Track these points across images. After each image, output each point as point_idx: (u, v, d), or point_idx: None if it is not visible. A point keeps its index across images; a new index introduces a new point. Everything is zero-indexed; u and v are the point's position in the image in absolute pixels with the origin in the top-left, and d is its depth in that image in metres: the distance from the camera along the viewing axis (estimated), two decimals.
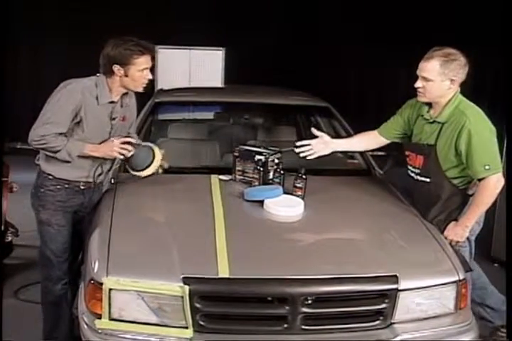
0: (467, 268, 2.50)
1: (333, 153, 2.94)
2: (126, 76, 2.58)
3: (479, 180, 2.60)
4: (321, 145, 2.84)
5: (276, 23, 7.67)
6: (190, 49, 7.78)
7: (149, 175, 2.79)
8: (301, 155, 2.84)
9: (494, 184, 2.57)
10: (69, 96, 2.53)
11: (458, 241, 2.66)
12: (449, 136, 2.61)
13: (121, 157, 2.67)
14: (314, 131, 2.89)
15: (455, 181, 2.68)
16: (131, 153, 2.66)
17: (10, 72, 7.14)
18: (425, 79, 2.60)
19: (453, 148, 2.61)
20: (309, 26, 7.76)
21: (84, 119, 2.57)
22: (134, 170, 2.77)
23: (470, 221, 2.63)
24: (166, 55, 7.75)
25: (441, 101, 2.66)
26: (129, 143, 2.67)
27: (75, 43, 7.11)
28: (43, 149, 2.59)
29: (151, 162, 2.74)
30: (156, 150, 2.78)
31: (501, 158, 2.75)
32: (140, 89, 2.68)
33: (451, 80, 2.59)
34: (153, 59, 2.63)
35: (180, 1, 7.57)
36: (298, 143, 2.86)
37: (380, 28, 7.41)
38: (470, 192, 2.70)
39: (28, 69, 7.70)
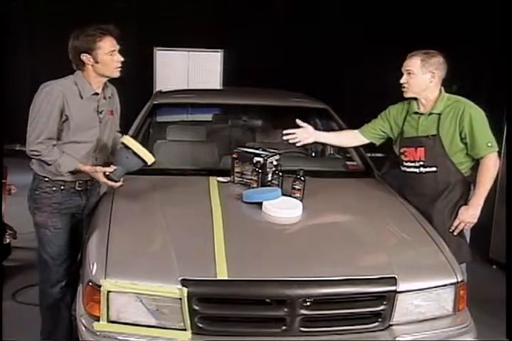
0: (469, 259, 2.69)
1: (315, 143, 3.20)
2: (97, 62, 2.57)
3: (478, 160, 2.82)
4: (305, 134, 3.05)
5: (275, 25, 7.67)
6: (188, 50, 7.79)
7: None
8: (290, 141, 3.07)
9: (495, 160, 2.80)
10: (49, 99, 2.52)
11: (470, 223, 2.81)
12: (451, 123, 2.82)
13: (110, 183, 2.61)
14: (299, 122, 3.05)
15: (460, 167, 2.84)
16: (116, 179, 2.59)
17: (8, 73, 7.16)
18: (409, 73, 2.86)
19: (457, 132, 2.81)
20: (308, 27, 7.77)
21: (71, 117, 2.55)
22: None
23: (480, 200, 2.80)
24: (165, 56, 7.78)
25: (428, 97, 2.88)
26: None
27: None
28: (38, 160, 2.61)
29: (144, 163, 2.63)
30: (142, 154, 2.63)
31: (501, 157, 2.86)
32: (116, 74, 2.63)
33: (432, 73, 2.84)
34: (118, 41, 2.59)
35: (178, 2, 7.58)
36: (285, 132, 3.06)
37: (379, 28, 7.43)
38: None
39: (26, 71, 7.70)
